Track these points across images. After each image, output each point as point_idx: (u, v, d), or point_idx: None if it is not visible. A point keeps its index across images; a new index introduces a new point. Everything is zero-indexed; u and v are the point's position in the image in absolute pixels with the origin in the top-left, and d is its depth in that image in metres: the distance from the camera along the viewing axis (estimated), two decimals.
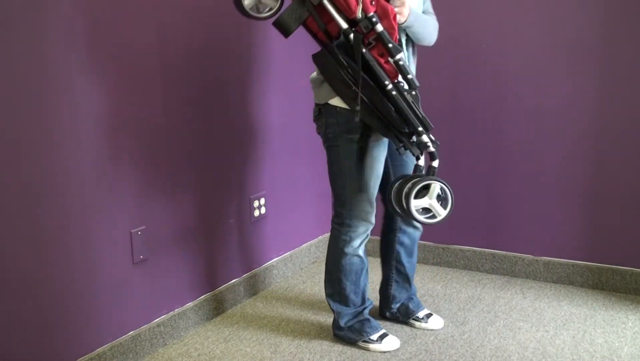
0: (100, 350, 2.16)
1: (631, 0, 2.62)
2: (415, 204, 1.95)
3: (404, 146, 2.04)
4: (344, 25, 1.92)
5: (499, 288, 2.91)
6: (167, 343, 2.44)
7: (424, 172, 2.05)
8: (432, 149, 2.01)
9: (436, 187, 1.97)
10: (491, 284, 2.96)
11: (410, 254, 2.50)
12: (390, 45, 1.92)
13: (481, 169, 3.04)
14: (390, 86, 1.95)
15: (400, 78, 2.00)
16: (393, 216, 2.43)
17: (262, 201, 2.87)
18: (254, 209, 2.84)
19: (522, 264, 3.01)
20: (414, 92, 2.01)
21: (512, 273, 3.04)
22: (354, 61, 1.93)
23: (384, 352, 2.33)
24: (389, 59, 1.95)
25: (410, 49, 2.23)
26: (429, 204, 1.97)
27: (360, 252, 2.34)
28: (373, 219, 2.29)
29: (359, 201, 2.23)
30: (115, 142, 2.17)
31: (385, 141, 2.22)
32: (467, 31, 2.95)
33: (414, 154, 2.06)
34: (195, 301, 2.57)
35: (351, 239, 2.29)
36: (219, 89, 2.58)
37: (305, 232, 3.23)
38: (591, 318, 2.58)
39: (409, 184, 1.97)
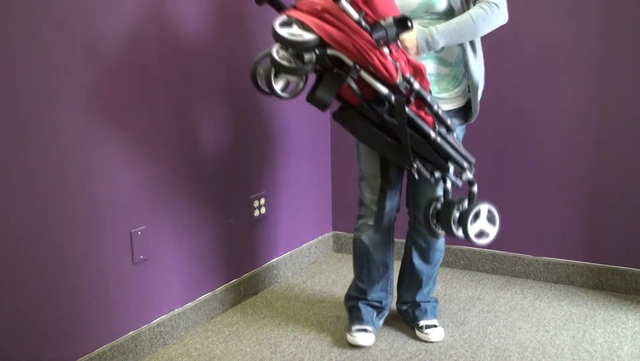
0: (100, 350, 2.16)
1: (632, 0, 2.62)
2: (472, 230, 2.10)
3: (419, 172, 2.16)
4: (385, 90, 1.99)
5: (499, 288, 2.91)
6: (167, 343, 2.44)
7: (450, 194, 2.21)
8: (471, 176, 2.18)
9: (485, 210, 2.14)
10: (491, 284, 2.96)
11: (424, 257, 2.44)
12: (428, 98, 2.03)
13: (481, 169, 3.03)
14: (434, 135, 2.05)
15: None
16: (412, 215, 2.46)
17: (262, 201, 2.87)
18: (254, 209, 2.84)
19: (522, 264, 3.01)
20: (455, 134, 2.14)
21: (512, 273, 3.04)
22: (396, 120, 2.01)
23: (355, 345, 2.38)
24: (428, 110, 2.06)
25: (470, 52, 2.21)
26: (482, 228, 2.13)
27: (363, 237, 2.39)
28: (373, 206, 2.35)
29: (361, 188, 2.38)
30: (116, 142, 2.17)
31: None
32: None
33: (435, 179, 2.18)
34: (195, 301, 2.57)
35: (356, 223, 2.43)
36: (219, 89, 2.58)
37: (305, 232, 3.23)
38: (591, 318, 2.58)
39: (458, 213, 2.13)
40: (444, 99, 2.23)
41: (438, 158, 2.10)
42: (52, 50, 1.93)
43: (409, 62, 2.02)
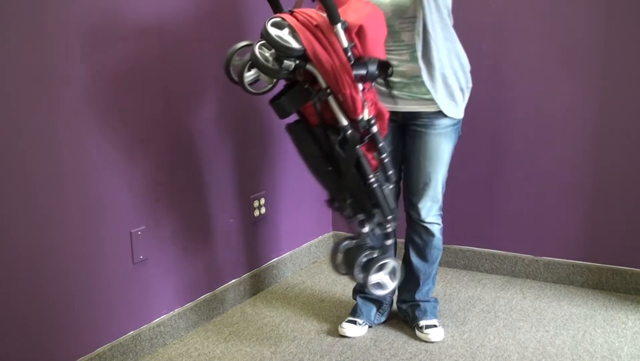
0: (100, 350, 2.16)
1: (632, 0, 2.62)
2: (372, 278, 2.12)
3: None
4: (345, 122, 2.02)
5: (499, 288, 2.91)
6: (167, 343, 2.44)
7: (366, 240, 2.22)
8: (389, 231, 2.19)
9: (391, 265, 2.17)
10: (491, 284, 2.96)
11: (421, 255, 2.45)
12: (380, 145, 2.07)
13: (481, 169, 3.04)
14: (373, 179, 2.07)
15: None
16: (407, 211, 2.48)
17: (262, 201, 2.87)
18: (254, 209, 2.84)
19: (522, 264, 3.01)
20: (391, 186, 2.15)
21: (512, 273, 3.04)
22: (345, 153, 2.04)
23: (343, 336, 2.46)
24: (376, 155, 2.09)
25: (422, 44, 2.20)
26: (381, 279, 2.15)
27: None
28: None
29: None
30: (116, 141, 2.17)
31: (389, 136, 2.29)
32: (467, 31, 2.95)
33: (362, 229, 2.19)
34: (195, 301, 2.57)
35: None
36: (220, 89, 2.58)
37: (305, 232, 3.23)
38: (591, 318, 2.58)
39: (365, 258, 2.13)
40: (425, 101, 2.26)
41: (368, 203, 2.12)
42: (52, 50, 1.93)
43: (375, 104, 2.06)
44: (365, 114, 2.01)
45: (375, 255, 2.15)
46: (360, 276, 2.13)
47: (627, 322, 2.55)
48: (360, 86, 1.96)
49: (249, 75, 2.00)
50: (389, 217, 2.14)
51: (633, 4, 2.62)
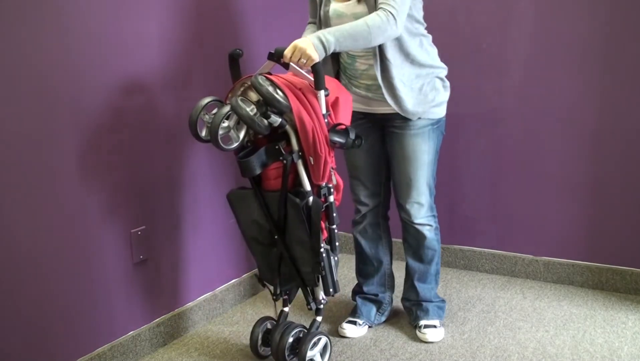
0: (100, 350, 2.16)
1: (633, 0, 2.62)
2: (308, 355, 2.12)
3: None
4: (308, 187, 2.05)
5: (499, 288, 2.91)
6: (167, 343, 2.44)
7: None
8: (321, 307, 2.19)
9: (323, 341, 2.20)
10: (491, 284, 2.96)
11: (416, 255, 2.45)
12: (334, 215, 2.11)
13: (481, 169, 3.04)
14: (323, 249, 2.08)
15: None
16: (384, 205, 2.52)
17: None
18: None
19: (522, 264, 3.01)
20: (336, 258, 2.16)
21: (512, 273, 3.04)
22: (306, 218, 2.04)
23: (343, 336, 2.47)
24: (327, 224, 2.12)
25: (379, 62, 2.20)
26: (314, 356, 2.16)
27: (357, 233, 2.53)
28: (362, 207, 2.48)
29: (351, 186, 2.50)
30: (116, 141, 2.17)
31: (363, 134, 2.31)
32: (467, 31, 2.95)
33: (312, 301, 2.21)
34: (195, 301, 2.57)
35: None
36: (220, 89, 2.58)
37: None
38: (591, 318, 2.58)
39: (292, 338, 2.16)
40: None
41: (311, 274, 2.13)
42: (53, 45, 1.93)
43: (336, 174, 2.11)
44: (333, 180, 2.08)
45: (303, 334, 2.17)
46: (291, 357, 2.15)
47: (627, 322, 2.55)
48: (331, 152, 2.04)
49: (222, 126, 1.95)
50: (330, 291, 2.14)
51: (635, 3, 2.62)
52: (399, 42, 2.17)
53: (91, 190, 2.09)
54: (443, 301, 2.55)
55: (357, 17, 2.14)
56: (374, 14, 2.04)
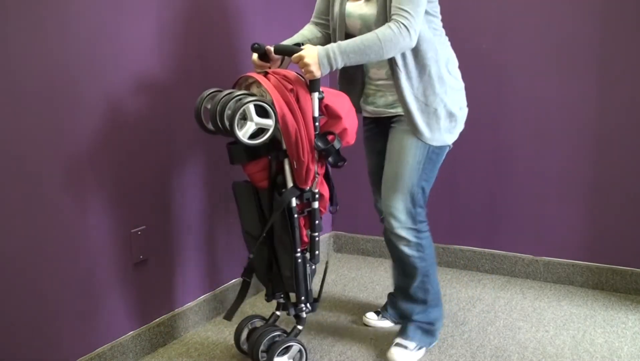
0: (100, 350, 2.16)
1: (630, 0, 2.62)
2: (276, 360, 2.11)
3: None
4: (290, 185, 2.05)
5: (499, 288, 2.91)
6: (167, 343, 2.44)
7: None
8: (304, 316, 2.17)
9: (296, 349, 2.17)
10: (491, 284, 2.96)
11: (399, 268, 2.34)
12: (317, 222, 2.10)
13: (481, 169, 3.04)
14: (299, 254, 2.08)
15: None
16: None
17: None
18: None
19: (522, 264, 3.01)
20: (313, 267, 2.15)
21: (512, 273, 3.04)
22: (286, 218, 2.05)
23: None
24: (309, 232, 2.11)
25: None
26: None
27: (385, 236, 2.36)
28: (380, 212, 2.43)
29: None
30: (116, 141, 2.17)
31: (374, 139, 2.30)
32: (467, 32, 2.95)
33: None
34: (195, 301, 2.57)
35: None
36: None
37: None
38: (591, 318, 2.58)
39: (269, 341, 2.17)
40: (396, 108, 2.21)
41: (290, 278, 2.12)
42: (55, 48, 1.93)
43: (322, 183, 2.11)
44: (314, 186, 2.06)
45: (279, 338, 2.16)
46: (263, 358, 2.14)
47: (627, 322, 2.55)
48: (316, 157, 2.03)
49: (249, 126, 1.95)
50: (302, 298, 2.11)
51: (630, 3, 2.62)
52: (422, 60, 2.13)
53: (91, 190, 2.09)
54: (431, 324, 2.31)
55: (363, 18, 2.13)
56: (386, 26, 1.98)
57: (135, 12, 2.19)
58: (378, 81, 2.23)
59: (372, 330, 2.53)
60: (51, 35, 1.92)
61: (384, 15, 2.06)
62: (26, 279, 1.92)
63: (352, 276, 3.10)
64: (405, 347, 2.27)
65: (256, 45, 2.09)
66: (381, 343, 2.42)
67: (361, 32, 2.14)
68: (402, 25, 1.97)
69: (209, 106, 2.04)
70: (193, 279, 2.56)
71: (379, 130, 2.32)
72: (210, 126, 2.05)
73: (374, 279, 3.06)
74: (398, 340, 2.30)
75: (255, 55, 2.14)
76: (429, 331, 2.32)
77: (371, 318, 2.57)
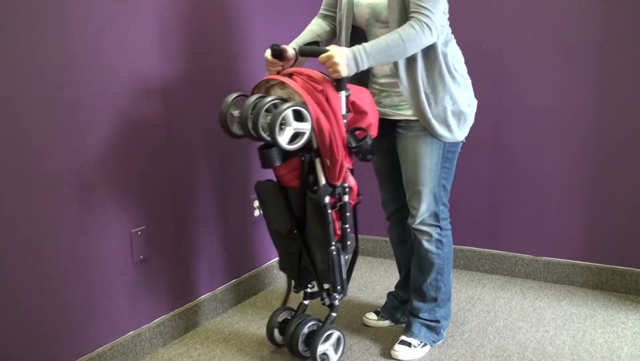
0: (100, 350, 2.16)
1: (632, 1, 2.62)
2: (320, 349, 2.16)
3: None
4: (323, 182, 2.07)
5: (499, 288, 2.91)
6: (167, 343, 2.44)
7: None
8: (337, 303, 2.22)
9: (335, 335, 2.23)
10: (491, 284, 2.96)
11: (415, 263, 2.34)
12: (347, 214, 2.12)
13: (481, 169, 3.04)
14: (334, 247, 2.10)
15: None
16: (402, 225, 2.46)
17: None
18: (254, 209, 2.84)
19: (522, 264, 3.01)
20: (347, 257, 2.17)
21: (512, 273, 3.04)
22: (317, 212, 2.08)
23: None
24: (340, 224, 2.14)
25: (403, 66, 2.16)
26: (326, 351, 2.21)
27: (388, 235, 2.57)
28: (386, 210, 2.50)
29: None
30: (116, 142, 2.17)
31: (380, 138, 2.29)
32: (467, 32, 2.95)
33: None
34: (195, 301, 2.57)
35: None
36: (220, 90, 2.58)
37: None
38: (591, 318, 2.58)
39: (307, 330, 2.23)
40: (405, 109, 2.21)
41: (324, 271, 2.15)
42: (52, 48, 1.93)
43: (352, 175, 2.13)
44: (351, 181, 2.10)
45: (317, 327, 2.21)
46: (304, 350, 2.19)
47: (627, 322, 2.55)
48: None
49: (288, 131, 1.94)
50: (338, 287, 2.16)
51: (633, 4, 2.62)
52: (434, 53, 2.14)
53: (91, 190, 2.09)
54: (437, 321, 2.34)
55: (372, 7, 2.13)
56: (408, 26, 2.00)
57: (138, 12, 2.19)
58: (382, 78, 2.22)
59: (372, 330, 2.53)
60: (51, 36, 1.92)
61: (398, 5, 2.06)
62: (26, 279, 1.92)
63: (352, 276, 3.10)
64: (410, 344, 2.31)
65: (275, 46, 2.10)
66: (382, 343, 2.42)
67: (368, 22, 2.16)
68: (424, 24, 2.00)
69: (235, 112, 2.04)
70: (193, 279, 2.55)
71: (385, 130, 2.29)
72: (237, 130, 2.06)
73: (374, 279, 3.06)
74: (403, 337, 2.34)
75: (268, 52, 2.13)
76: (434, 328, 2.35)
77: (371, 318, 2.57)
